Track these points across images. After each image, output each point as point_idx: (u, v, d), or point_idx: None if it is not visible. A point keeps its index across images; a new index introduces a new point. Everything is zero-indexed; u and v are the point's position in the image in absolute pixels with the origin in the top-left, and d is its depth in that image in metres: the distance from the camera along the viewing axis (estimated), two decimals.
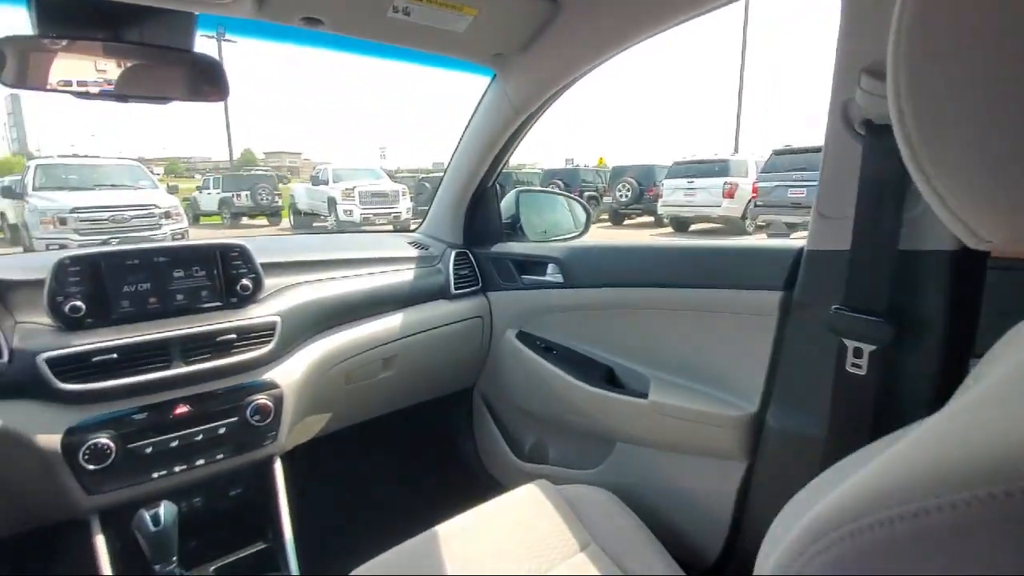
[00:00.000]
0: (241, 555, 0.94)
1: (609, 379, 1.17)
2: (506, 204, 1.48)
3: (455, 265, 1.38)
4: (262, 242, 1.06)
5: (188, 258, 0.96)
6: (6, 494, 0.81)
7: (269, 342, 0.98)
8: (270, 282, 1.05)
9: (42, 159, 8.77)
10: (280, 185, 14.57)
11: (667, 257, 1.11)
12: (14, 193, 7.58)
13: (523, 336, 1.36)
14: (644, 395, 1.05)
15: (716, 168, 9.90)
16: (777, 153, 8.73)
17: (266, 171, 15.42)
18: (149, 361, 0.87)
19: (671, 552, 0.87)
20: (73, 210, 6.85)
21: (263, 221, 13.49)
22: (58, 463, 0.79)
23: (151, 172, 9.39)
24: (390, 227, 11.13)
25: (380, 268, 1.27)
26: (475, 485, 1.50)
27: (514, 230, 1.48)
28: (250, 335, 0.97)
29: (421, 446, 1.62)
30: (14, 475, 0.78)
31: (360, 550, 0.81)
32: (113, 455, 0.81)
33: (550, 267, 1.30)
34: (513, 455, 1.41)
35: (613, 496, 1.00)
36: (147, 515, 0.77)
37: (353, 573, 0.77)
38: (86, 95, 0.84)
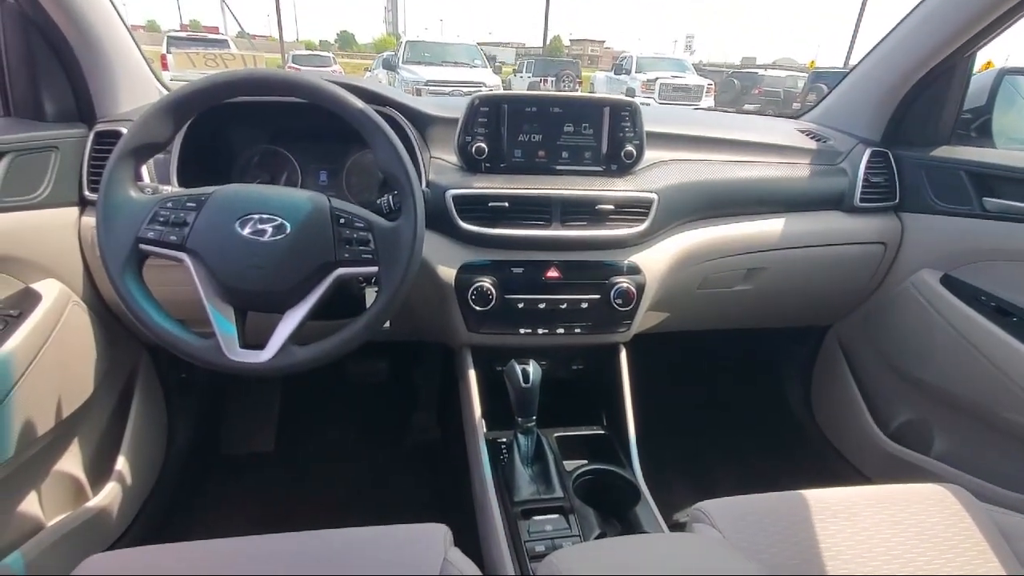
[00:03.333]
0: (586, 431, 0.93)
1: None
2: (976, 88, 1.00)
3: (867, 168, 1.02)
4: (647, 110, 0.92)
5: (580, 112, 0.87)
6: (407, 311, 0.92)
7: (644, 220, 0.86)
8: (650, 154, 0.91)
9: (410, 37, 10.53)
10: (584, 72, 14.74)
11: None
12: (391, 64, 9.42)
13: (950, 281, 0.96)
14: None
15: None
16: None
17: (571, 60, 15.72)
18: (532, 216, 0.84)
19: None
20: (427, 82, 8.13)
21: None
22: (450, 295, 0.84)
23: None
24: None
25: (768, 157, 1.01)
26: (805, 444, 1.24)
27: (977, 130, 1.01)
28: (626, 208, 0.86)
29: (745, 378, 1.41)
30: (419, 297, 0.86)
31: (685, 473, 0.67)
32: (493, 300, 0.83)
33: None
34: (874, 426, 1.10)
35: None
36: (518, 368, 0.77)
37: (704, 506, 0.65)
38: None
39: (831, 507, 0.66)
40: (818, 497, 0.68)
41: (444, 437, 1.31)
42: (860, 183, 1.01)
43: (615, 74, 12.58)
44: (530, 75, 13.98)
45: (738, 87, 12.93)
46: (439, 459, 1.27)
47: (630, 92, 11.09)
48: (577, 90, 13.48)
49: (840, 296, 1.12)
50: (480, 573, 0.54)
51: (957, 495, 0.71)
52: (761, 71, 14.08)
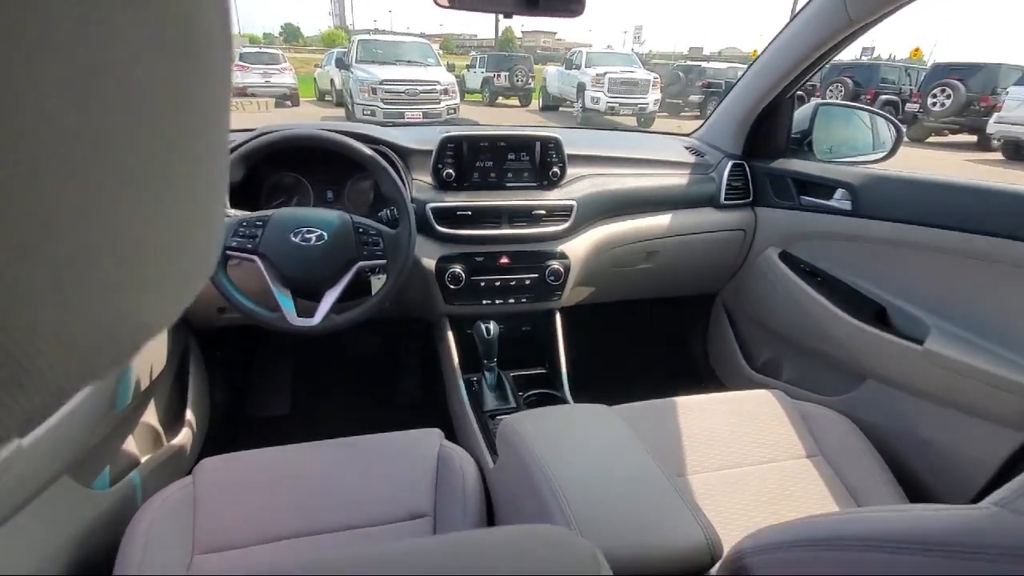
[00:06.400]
0: (532, 371, 1.29)
1: (879, 317, 1.14)
2: (799, 117, 1.41)
3: (729, 176, 1.41)
4: (566, 134, 1.27)
5: (519, 144, 1.21)
6: (403, 295, 1.25)
7: (567, 220, 1.22)
8: (572, 171, 1.27)
9: (361, 35, 10.56)
10: (536, 66, 15.07)
11: (987, 199, 0.98)
12: (343, 64, 9.46)
13: (786, 256, 1.36)
14: (920, 341, 1.02)
15: None
16: None
17: (523, 55, 16.06)
18: (488, 220, 1.18)
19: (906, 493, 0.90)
20: (382, 82, 8.26)
21: (515, 102, 14.33)
22: (432, 278, 1.18)
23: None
24: (634, 119, 10.83)
25: (659, 170, 1.39)
26: (698, 381, 1.65)
27: (800, 146, 1.41)
28: (555, 212, 1.21)
29: (657, 334, 1.81)
30: (409, 283, 1.19)
31: (608, 397, 1.03)
32: (463, 281, 1.17)
33: (838, 192, 1.24)
34: (745, 363, 1.50)
35: (851, 423, 1.04)
36: (483, 326, 1.12)
37: (613, 406, 1.01)
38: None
39: (693, 406, 1.04)
40: (685, 400, 1.06)
41: (427, 397, 1.65)
42: (724, 187, 1.40)
43: (566, 68, 12.99)
44: (483, 70, 14.21)
45: (683, 80, 13.55)
46: (426, 411, 1.61)
47: (581, 86, 11.54)
48: (530, 84, 13.83)
49: (718, 270, 1.51)
50: (465, 452, 0.89)
51: (776, 396, 1.10)
52: (704, 63, 14.78)
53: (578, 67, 12.20)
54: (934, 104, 9.38)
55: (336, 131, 1.01)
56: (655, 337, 1.81)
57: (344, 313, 0.98)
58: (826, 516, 0.47)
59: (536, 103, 14.28)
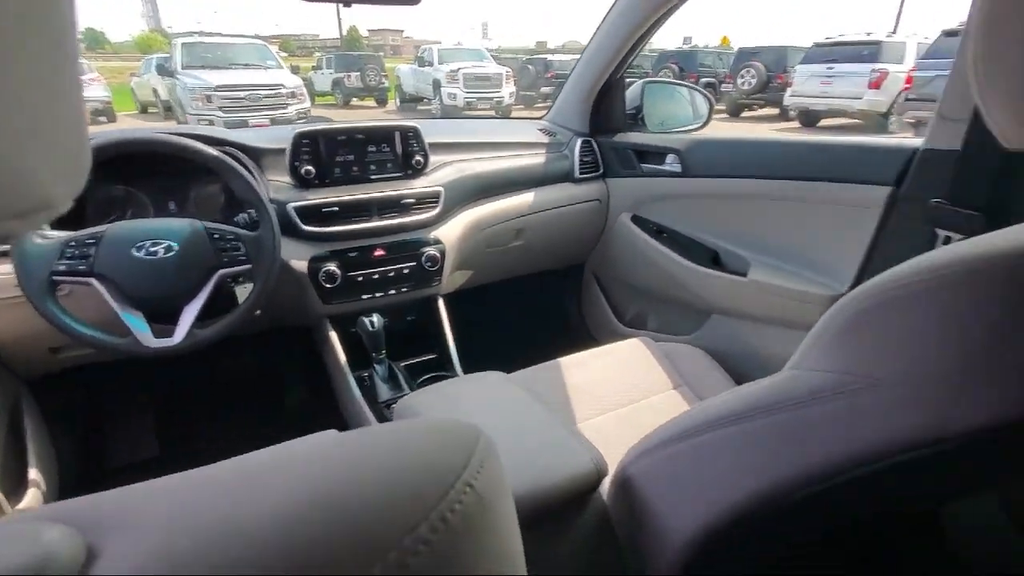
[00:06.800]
0: (423, 358, 1.30)
1: (714, 260, 1.33)
2: (631, 95, 1.57)
3: (580, 152, 1.53)
4: (425, 125, 1.29)
5: (378, 136, 1.21)
6: (274, 303, 1.19)
7: (436, 206, 1.25)
8: (435, 159, 1.29)
9: (184, 37, 9.50)
10: (387, 64, 14.75)
11: (783, 151, 1.20)
12: (166, 71, 8.44)
13: (637, 219, 1.52)
14: (744, 274, 1.21)
15: (865, 52, 8.53)
16: (948, 34, 7.28)
17: (372, 54, 15.59)
18: (357, 214, 1.17)
19: None
20: (217, 88, 7.54)
21: (372, 103, 13.91)
22: (305, 282, 1.14)
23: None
24: (492, 112, 11.09)
25: (517, 151, 1.47)
26: (579, 343, 1.78)
27: (635, 120, 1.58)
28: (423, 200, 1.23)
29: (538, 307, 1.91)
30: (280, 288, 1.14)
31: (499, 368, 1.08)
32: (339, 279, 1.14)
33: (669, 157, 1.42)
34: (616, 320, 1.65)
35: (706, 354, 1.21)
36: (366, 320, 1.11)
37: (494, 372, 1.07)
38: None
39: (575, 362, 1.13)
40: (567, 360, 1.14)
41: (320, 403, 1.58)
42: (577, 163, 1.53)
43: (419, 66, 12.90)
44: (332, 71, 13.60)
45: (533, 72, 14.15)
46: (322, 417, 1.54)
47: (436, 83, 11.55)
48: (384, 83, 13.50)
49: (583, 239, 1.65)
50: None
51: (644, 342, 1.23)
52: (550, 56, 15.56)
53: (431, 64, 12.18)
54: (743, 83, 10.87)
55: (174, 134, 0.93)
56: (536, 310, 1.92)
57: (209, 328, 0.92)
58: (676, 417, 0.56)
59: (394, 102, 14.00)
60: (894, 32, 10.39)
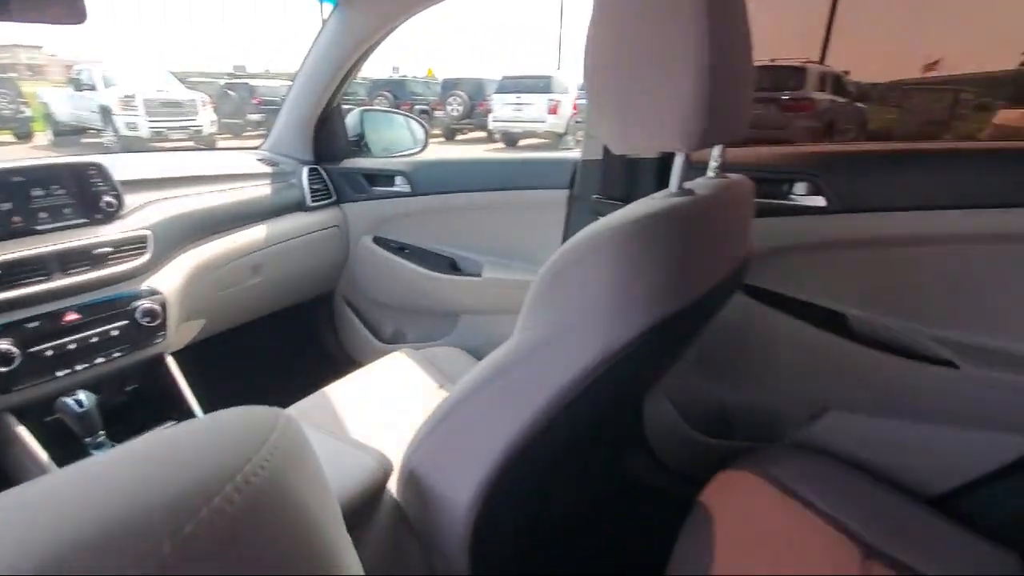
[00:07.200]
0: (161, 427, 1.09)
1: (452, 267, 1.48)
2: (351, 122, 1.63)
3: (309, 180, 1.52)
4: (119, 160, 1.10)
5: (43, 177, 0.99)
6: None
7: (144, 253, 1.08)
8: (133, 198, 1.12)
9: None
10: (27, 88, 11.43)
11: (491, 167, 1.42)
12: None
13: (378, 240, 1.59)
14: (479, 275, 1.39)
15: (540, 84, 10.44)
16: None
17: (3, 75, 11.85)
18: (30, 276, 0.93)
19: None
20: None
21: (10, 137, 10.62)
22: None
23: None
24: (190, 142, 9.70)
25: (237, 184, 1.37)
26: (343, 369, 1.75)
27: (359, 147, 1.65)
28: (124, 247, 1.05)
29: (291, 344, 1.80)
30: None
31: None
32: (17, 359, 0.89)
33: (398, 179, 1.52)
34: (376, 340, 1.69)
35: (463, 351, 1.35)
36: (69, 400, 0.89)
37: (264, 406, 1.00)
38: None
39: (343, 389, 1.12)
40: (335, 387, 1.13)
41: None
42: (308, 191, 1.50)
43: (76, 90, 10.37)
44: None
45: (237, 98, 12.86)
46: None
47: (105, 110, 9.48)
48: (24, 111, 10.45)
49: (326, 268, 1.63)
50: None
51: (406, 353, 1.29)
52: (252, 81, 14.39)
53: (91, 87, 9.93)
54: (452, 110, 12.03)
55: None
56: (293, 345, 1.80)
57: None
58: (440, 403, 0.65)
59: (44, 135, 10.94)
60: (559, 68, 12.94)
